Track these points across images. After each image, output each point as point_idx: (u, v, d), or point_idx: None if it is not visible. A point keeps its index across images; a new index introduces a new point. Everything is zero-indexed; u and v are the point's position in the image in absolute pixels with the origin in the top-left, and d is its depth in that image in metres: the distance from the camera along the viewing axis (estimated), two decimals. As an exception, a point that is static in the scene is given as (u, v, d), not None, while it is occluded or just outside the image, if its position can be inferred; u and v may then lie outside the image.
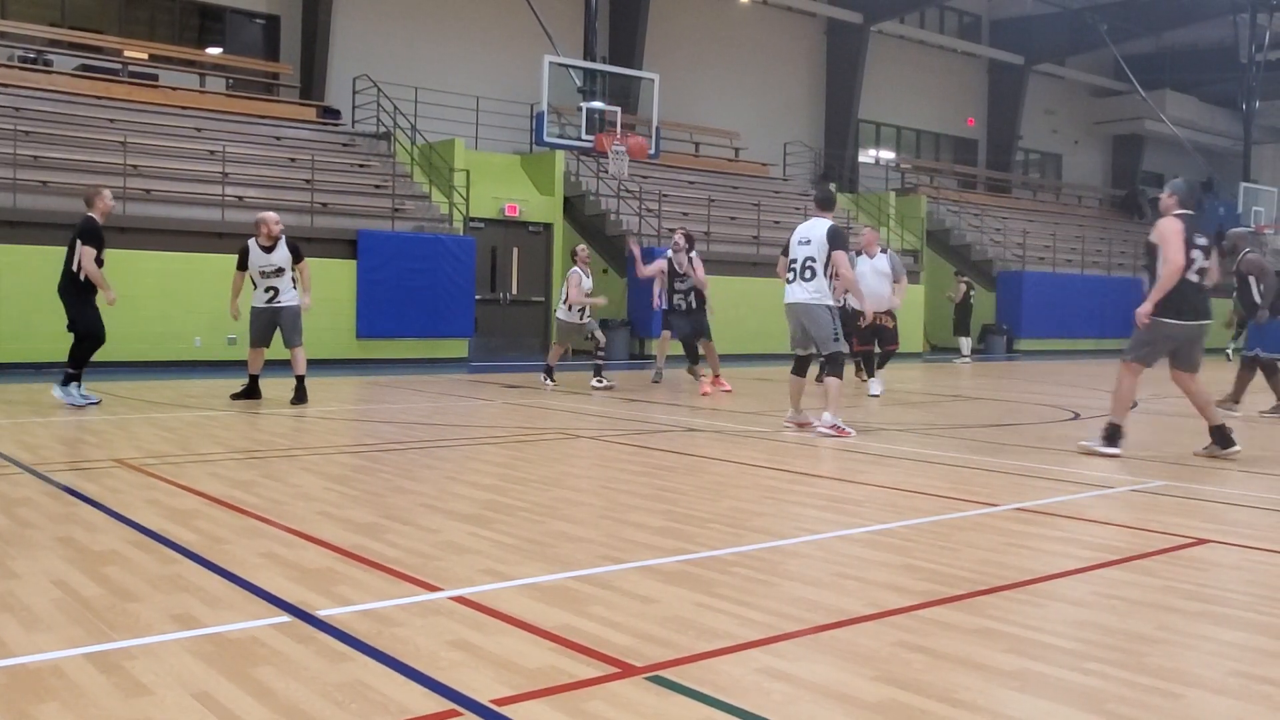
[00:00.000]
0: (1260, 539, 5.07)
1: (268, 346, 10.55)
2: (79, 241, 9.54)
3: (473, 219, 18.91)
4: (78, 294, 9.62)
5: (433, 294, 17.10)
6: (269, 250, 10.33)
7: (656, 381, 13.86)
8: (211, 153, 16.99)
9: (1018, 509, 5.71)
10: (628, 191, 21.16)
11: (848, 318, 11.90)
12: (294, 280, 10.43)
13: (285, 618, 3.48)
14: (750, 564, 4.34)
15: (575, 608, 3.66)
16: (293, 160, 17.94)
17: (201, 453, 7.16)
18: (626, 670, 3.04)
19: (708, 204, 21.99)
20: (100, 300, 9.70)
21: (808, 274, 8.66)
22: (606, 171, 20.49)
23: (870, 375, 12.87)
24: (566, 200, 21.22)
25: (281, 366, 10.90)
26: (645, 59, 24.26)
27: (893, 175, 30.64)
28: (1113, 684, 3.02)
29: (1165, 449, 8.55)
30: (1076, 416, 10.95)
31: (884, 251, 12.51)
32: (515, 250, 20.49)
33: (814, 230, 8.77)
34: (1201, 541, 4.94)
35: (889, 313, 12.57)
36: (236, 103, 19.46)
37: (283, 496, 5.64)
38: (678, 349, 14.57)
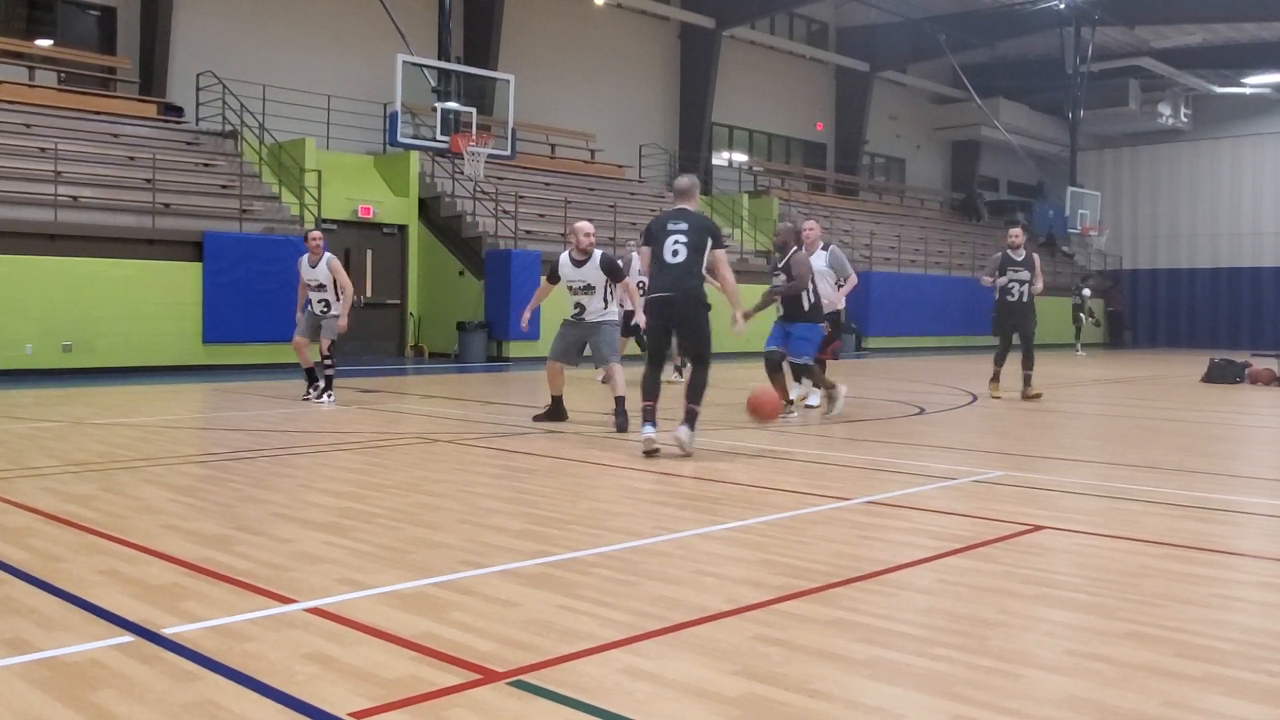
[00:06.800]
0: (1089, 524, 5.37)
1: (571, 365, 9.69)
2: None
3: (325, 220, 18.43)
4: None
5: (284, 297, 16.55)
6: (579, 264, 9.33)
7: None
8: (43, 150, 16.11)
9: (869, 502, 5.91)
10: (483, 193, 21.00)
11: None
12: (606, 297, 9.44)
13: (128, 638, 3.34)
14: (611, 564, 4.37)
15: (435, 615, 3.62)
16: (132, 159, 17.16)
17: (34, 466, 6.79)
18: (488, 676, 3.02)
19: (564, 205, 22.00)
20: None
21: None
22: (462, 173, 20.29)
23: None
24: (421, 202, 20.92)
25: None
26: (501, 60, 24.09)
27: (746, 178, 31.23)
28: (958, 667, 3.16)
29: (1002, 441, 8.97)
30: (922, 411, 11.37)
31: (825, 249, 11.24)
32: (369, 252, 20.09)
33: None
34: (1037, 528, 5.20)
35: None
36: (70, 98, 18.45)
37: (124, 510, 5.39)
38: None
